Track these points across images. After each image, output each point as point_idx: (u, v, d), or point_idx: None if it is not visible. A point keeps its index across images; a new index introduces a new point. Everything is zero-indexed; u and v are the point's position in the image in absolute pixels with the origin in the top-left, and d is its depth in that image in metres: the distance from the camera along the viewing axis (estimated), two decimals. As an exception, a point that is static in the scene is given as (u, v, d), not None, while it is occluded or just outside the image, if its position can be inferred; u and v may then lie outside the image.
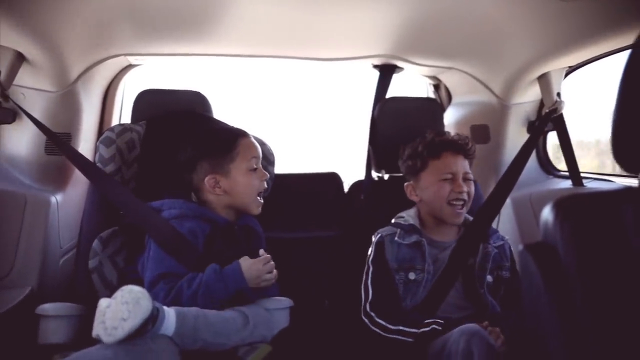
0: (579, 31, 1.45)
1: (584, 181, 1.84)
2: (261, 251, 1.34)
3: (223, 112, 1.77)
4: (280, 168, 1.72)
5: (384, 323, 1.34)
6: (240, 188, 1.42)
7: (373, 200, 1.70)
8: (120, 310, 1.04)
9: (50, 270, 1.59)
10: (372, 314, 1.36)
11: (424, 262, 1.41)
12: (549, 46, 1.58)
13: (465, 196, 1.45)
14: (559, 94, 1.76)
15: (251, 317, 1.25)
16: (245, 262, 1.29)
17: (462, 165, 1.48)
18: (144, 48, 1.78)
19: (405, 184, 1.55)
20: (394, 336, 1.31)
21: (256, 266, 1.29)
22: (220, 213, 1.43)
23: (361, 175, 1.83)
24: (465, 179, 1.47)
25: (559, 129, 1.85)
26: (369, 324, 1.36)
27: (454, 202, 1.44)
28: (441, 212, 1.46)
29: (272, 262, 1.32)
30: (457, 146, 1.49)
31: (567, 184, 1.88)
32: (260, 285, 1.30)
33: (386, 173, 1.78)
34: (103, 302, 1.08)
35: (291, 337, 1.32)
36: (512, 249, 1.52)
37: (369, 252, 1.47)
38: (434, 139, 1.50)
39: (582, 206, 0.77)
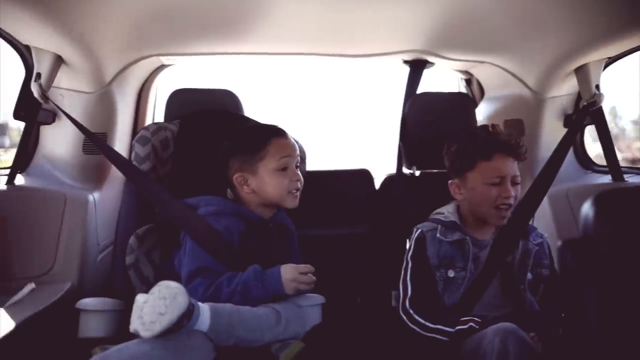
0: (618, 21, 1.40)
1: (625, 176, 1.78)
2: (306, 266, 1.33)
3: (254, 110, 1.78)
4: (311, 165, 1.72)
5: (423, 321, 1.32)
6: (268, 188, 1.41)
7: (404, 196, 1.68)
8: (158, 305, 1.06)
9: (89, 266, 1.63)
10: (411, 311, 1.35)
11: (465, 260, 1.39)
12: (587, 37, 1.53)
13: (512, 201, 1.39)
14: (597, 87, 1.71)
15: (284, 313, 1.25)
16: (285, 269, 1.30)
17: (512, 168, 1.41)
18: (176, 48, 1.81)
19: (450, 181, 1.50)
20: (433, 335, 1.29)
21: (295, 275, 1.29)
22: (254, 210, 1.44)
23: (391, 172, 1.82)
24: (514, 183, 1.41)
25: (597, 122, 1.79)
26: (407, 321, 1.35)
27: (501, 207, 1.40)
28: (486, 214, 1.42)
29: (311, 275, 1.31)
30: (509, 148, 1.42)
31: (607, 179, 1.82)
32: (295, 291, 1.30)
33: (417, 169, 1.76)
34: (140, 298, 1.10)
35: (323, 334, 1.32)
36: (550, 247, 1.48)
37: (408, 248, 1.45)
38: (486, 139, 1.43)
39: (623, 201, 0.75)
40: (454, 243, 1.41)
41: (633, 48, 1.59)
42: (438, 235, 1.42)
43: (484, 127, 1.49)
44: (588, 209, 0.74)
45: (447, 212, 1.48)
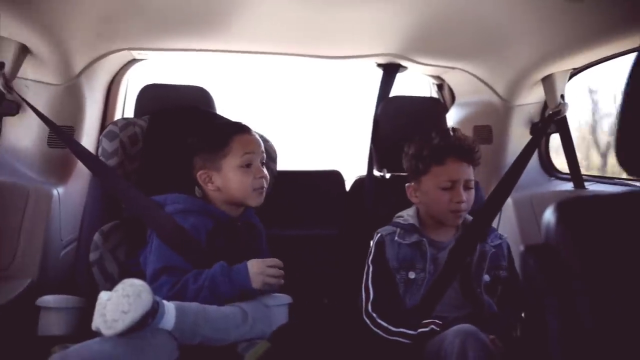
0: (583, 33, 1.45)
1: (586, 184, 1.84)
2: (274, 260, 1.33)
3: (226, 108, 1.77)
4: (282, 165, 1.72)
5: (385, 325, 1.33)
6: (232, 184, 1.40)
7: (374, 198, 1.70)
8: (121, 302, 1.04)
9: (51, 262, 1.59)
10: (374, 314, 1.36)
11: (424, 261, 1.41)
12: (554, 48, 1.57)
13: (464, 206, 1.41)
14: (562, 96, 1.76)
15: (250, 313, 1.25)
16: (251, 264, 1.29)
17: (465, 172, 1.43)
18: (148, 43, 1.78)
19: (407, 184, 1.52)
20: (395, 338, 1.31)
21: (262, 269, 1.29)
22: (221, 208, 1.43)
23: (362, 173, 1.83)
24: (467, 187, 1.43)
25: (562, 131, 1.85)
26: (370, 325, 1.36)
27: (453, 210, 1.42)
28: (441, 217, 1.45)
29: (280, 269, 1.32)
30: (463, 152, 1.43)
31: (569, 186, 1.88)
32: (263, 288, 1.30)
33: (388, 172, 1.78)
34: (104, 295, 1.08)
35: (290, 334, 1.32)
36: (511, 249, 1.51)
37: (369, 252, 1.47)
38: (440, 144, 1.45)
39: (584, 209, 0.77)
40: (412, 245, 1.43)
41: (597, 60, 1.65)
42: (396, 238, 1.44)
43: (441, 131, 1.51)
44: (549, 216, 0.76)
45: (406, 215, 1.50)
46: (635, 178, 0.80)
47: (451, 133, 1.50)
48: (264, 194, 1.45)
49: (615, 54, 1.55)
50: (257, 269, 1.28)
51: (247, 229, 1.48)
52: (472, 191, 1.45)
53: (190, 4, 1.50)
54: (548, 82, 1.77)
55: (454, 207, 1.41)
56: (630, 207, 0.75)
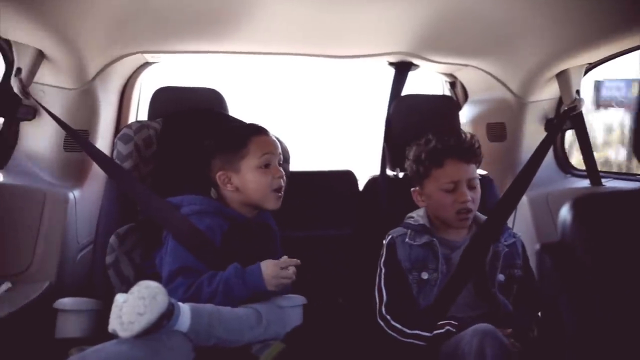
0: (599, 28, 1.43)
1: (603, 180, 1.81)
2: (284, 257, 1.32)
3: (239, 109, 1.77)
4: (295, 165, 1.72)
5: (400, 327, 1.33)
6: (251, 185, 1.42)
7: (388, 198, 1.69)
8: (137, 305, 1.05)
9: (68, 265, 1.61)
10: (388, 317, 1.35)
11: (436, 261, 1.40)
12: (569, 43, 1.55)
13: (470, 205, 1.40)
14: (578, 92, 1.74)
15: (265, 314, 1.25)
16: (265, 265, 1.29)
17: (466, 171, 1.42)
18: (161, 46, 1.80)
19: (412, 189, 1.52)
20: (411, 340, 1.30)
21: (275, 270, 1.29)
22: (237, 209, 1.44)
23: (375, 173, 1.83)
24: (471, 186, 1.42)
25: (577, 127, 1.82)
26: (385, 327, 1.35)
27: (460, 211, 1.41)
28: (447, 219, 1.44)
29: (293, 268, 1.31)
30: (461, 152, 1.42)
31: (585, 183, 1.85)
32: (277, 289, 1.30)
33: (401, 171, 1.77)
34: (120, 297, 1.09)
35: (304, 335, 1.32)
36: (526, 247, 1.49)
37: (381, 254, 1.46)
38: (436, 146, 1.44)
39: (600, 206, 0.76)
40: (423, 246, 1.42)
41: (612, 55, 1.62)
42: (407, 239, 1.43)
43: (438, 133, 1.49)
44: (565, 214, 0.75)
45: (417, 215, 1.49)
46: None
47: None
48: (282, 197, 1.45)
49: (632, 47, 1.52)
50: (272, 271, 1.28)
51: (263, 230, 1.48)
52: (478, 189, 1.44)
53: (201, 7, 1.51)
54: (563, 77, 1.74)
55: (458, 207, 1.40)
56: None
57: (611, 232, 0.73)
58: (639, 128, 0.73)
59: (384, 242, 1.47)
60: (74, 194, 1.67)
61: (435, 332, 1.26)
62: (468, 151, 1.43)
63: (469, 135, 1.48)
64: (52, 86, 1.65)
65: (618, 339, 0.69)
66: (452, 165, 1.42)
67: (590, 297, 0.71)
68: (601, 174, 1.83)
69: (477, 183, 1.44)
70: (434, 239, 1.42)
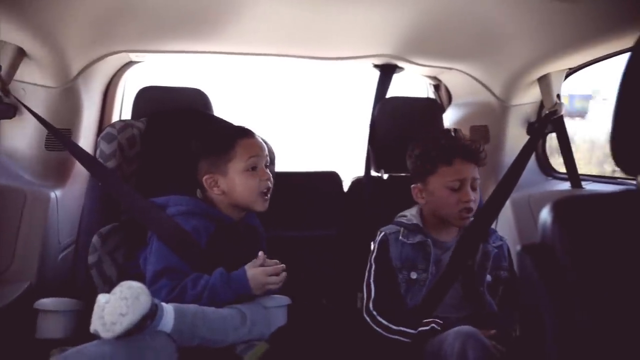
0: (579, 33, 1.46)
1: (583, 183, 1.85)
2: (260, 253, 1.32)
3: (223, 110, 1.77)
4: (280, 166, 1.72)
5: (386, 323, 1.34)
6: (238, 188, 1.41)
7: (372, 199, 1.70)
8: (119, 305, 1.04)
9: (49, 265, 1.59)
10: (375, 312, 1.36)
11: (427, 262, 1.41)
12: (549, 48, 1.58)
13: (472, 205, 1.42)
14: (559, 96, 1.77)
15: (249, 315, 1.25)
16: (250, 269, 1.29)
17: (472, 172, 1.44)
18: (145, 45, 1.78)
19: (412, 185, 1.52)
20: (395, 336, 1.31)
21: (262, 277, 1.29)
22: (224, 211, 1.43)
23: (359, 174, 1.83)
24: (473, 187, 1.43)
25: (558, 130, 1.85)
26: (371, 322, 1.36)
27: (462, 211, 1.42)
28: (448, 217, 1.45)
29: (279, 271, 1.31)
30: (470, 153, 1.44)
31: (566, 185, 1.88)
32: (263, 292, 1.30)
33: (385, 173, 1.78)
34: (102, 298, 1.08)
35: (288, 335, 1.32)
36: (510, 249, 1.52)
37: (372, 250, 1.47)
38: (447, 144, 1.45)
39: (580, 208, 0.77)
40: (416, 245, 1.43)
41: (592, 60, 1.65)
42: (400, 237, 1.44)
43: (446, 131, 1.52)
44: (546, 216, 0.76)
45: (410, 214, 1.50)
46: (630, 177, 0.81)
47: (453, 134, 1.50)
48: (269, 199, 1.45)
49: (611, 53, 1.55)
50: (258, 279, 1.28)
51: (249, 232, 1.48)
52: (478, 191, 1.46)
53: (186, 6, 1.50)
54: (544, 82, 1.77)
55: (462, 206, 1.41)
56: (625, 205, 0.75)
57: (591, 234, 0.74)
58: (616, 135, 0.75)
59: (376, 238, 1.48)
60: (55, 194, 1.65)
61: (420, 329, 1.27)
62: (476, 153, 1.45)
63: (475, 140, 1.51)
64: (33, 84, 1.63)
65: (598, 340, 0.70)
66: (460, 164, 1.43)
67: (570, 298, 0.72)
68: (581, 177, 1.86)
69: (479, 185, 1.46)
70: (428, 239, 1.43)
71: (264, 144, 1.48)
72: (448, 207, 1.43)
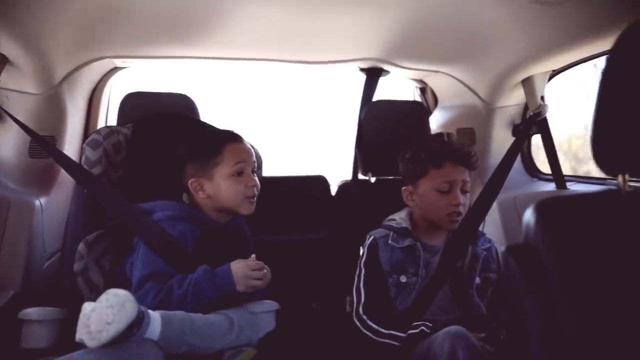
0: (561, 36, 1.48)
1: (567, 183, 1.87)
2: (253, 256, 1.32)
3: (210, 115, 1.76)
4: (267, 171, 1.72)
5: (376, 327, 1.34)
6: (224, 193, 1.40)
7: (360, 202, 1.70)
8: (105, 313, 1.03)
9: (34, 274, 1.57)
10: (365, 317, 1.36)
11: (416, 266, 1.42)
12: (532, 50, 1.60)
13: (461, 209, 1.42)
14: (542, 98, 1.79)
15: (237, 320, 1.24)
16: (235, 265, 1.28)
17: (462, 175, 1.44)
18: (130, 51, 1.77)
19: (403, 188, 1.52)
20: (386, 340, 1.31)
21: (245, 270, 1.28)
22: (210, 215, 1.43)
23: (347, 178, 1.84)
24: (463, 191, 1.44)
25: (543, 132, 1.87)
26: (361, 327, 1.36)
27: (451, 214, 1.42)
28: (437, 220, 1.45)
29: (264, 269, 1.31)
30: (460, 156, 1.44)
31: (551, 186, 1.90)
32: (248, 290, 1.29)
33: (373, 176, 1.78)
34: (87, 306, 1.07)
35: (277, 341, 1.32)
36: (498, 252, 1.53)
37: (361, 254, 1.47)
38: (438, 147, 1.45)
39: (563, 208, 0.78)
40: (405, 249, 1.43)
41: (575, 61, 1.67)
42: (390, 241, 1.45)
43: (438, 135, 1.53)
44: (529, 217, 0.77)
45: (399, 218, 1.50)
46: (611, 177, 0.82)
47: (445, 138, 1.50)
48: (255, 202, 1.45)
49: (594, 55, 1.57)
50: (242, 272, 1.27)
51: (236, 235, 1.47)
52: (469, 195, 1.46)
53: (172, 12, 1.50)
54: (528, 84, 1.79)
55: (451, 209, 1.41)
56: (606, 205, 0.77)
57: (573, 234, 0.75)
58: (597, 136, 0.76)
59: (365, 242, 1.47)
60: (40, 202, 1.63)
61: (410, 332, 1.28)
62: (467, 156, 1.45)
63: (466, 143, 1.52)
64: (16, 91, 1.61)
65: (582, 339, 0.71)
66: (450, 167, 1.43)
67: (554, 298, 0.73)
68: (566, 177, 1.88)
69: (469, 188, 1.46)
70: (417, 243, 1.43)
71: (251, 149, 1.48)
72: (438, 210, 1.44)
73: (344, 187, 1.79)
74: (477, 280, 1.43)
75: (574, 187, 1.84)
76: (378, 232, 1.48)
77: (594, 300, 0.72)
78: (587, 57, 1.59)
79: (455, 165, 1.43)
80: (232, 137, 1.45)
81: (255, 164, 1.48)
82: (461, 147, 1.47)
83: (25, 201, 1.59)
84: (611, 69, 0.75)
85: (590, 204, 0.79)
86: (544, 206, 0.78)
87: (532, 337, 0.75)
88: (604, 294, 0.72)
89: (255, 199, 1.44)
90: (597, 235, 0.74)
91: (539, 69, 1.73)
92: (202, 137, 1.48)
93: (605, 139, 0.76)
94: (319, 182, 1.97)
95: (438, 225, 1.46)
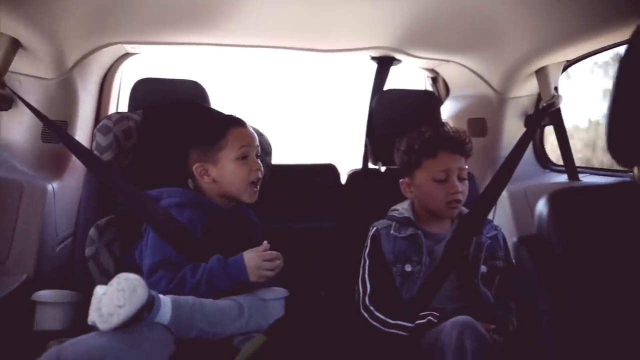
0: (576, 25, 1.45)
1: (580, 175, 1.85)
2: (265, 244, 1.33)
3: (221, 102, 1.76)
4: (277, 159, 1.72)
5: (383, 317, 1.34)
6: (228, 177, 1.41)
7: (370, 192, 1.70)
8: (117, 297, 1.04)
9: (47, 258, 1.59)
10: (372, 308, 1.36)
11: (420, 254, 1.42)
12: (547, 40, 1.58)
13: (459, 196, 1.42)
14: (556, 88, 1.77)
15: (247, 306, 1.25)
16: (247, 255, 1.30)
17: (457, 163, 1.43)
18: (142, 36, 1.77)
19: (400, 180, 1.52)
20: (393, 330, 1.32)
21: (258, 261, 1.29)
22: (215, 201, 1.44)
23: (357, 167, 1.83)
24: (461, 178, 1.43)
25: (555, 123, 1.85)
26: (368, 318, 1.36)
27: (450, 202, 1.42)
28: (436, 210, 1.45)
29: (276, 259, 1.32)
30: (454, 145, 1.44)
31: (563, 177, 1.89)
32: (260, 280, 1.30)
33: (383, 165, 1.78)
34: (99, 290, 1.08)
35: (286, 327, 1.32)
36: (506, 240, 1.52)
37: (365, 246, 1.47)
38: (431, 137, 1.45)
39: (576, 199, 0.77)
40: (408, 238, 1.43)
41: (590, 52, 1.65)
42: (392, 231, 1.45)
43: (432, 124, 1.51)
44: (542, 207, 0.76)
45: (401, 208, 1.51)
46: (626, 169, 0.81)
47: (445, 127, 1.49)
48: (258, 191, 1.45)
49: (608, 45, 1.55)
50: (254, 263, 1.29)
51: (241, 221, 1.48)
52: (467, 182, 1.46)
53: (183, -2, 1.49)
54: (542, 74, 1.77)
55: (449, 198, 1.41)
56: (621, 197, 0.76)
57: (586, 226, 0.74)
58: (612, 127, 0.75)
59: (369, 234, 1.48)
60: (52, 186, 1.65)
61: (417, 322, 1.28)
62: (461, 144, 1.44)
63: (460, 129, 1.49)
64: (28, 76, 1.62)
65: (593, 331, 0.71)
66: (444, 156, 1.43)
67: (566, 289, 0.73)
68: (579, 169, 1.86)
69: (467, 175, 1.46)
70: (419, 232, 1.43)
71: (255, 133, 1.48)
72: (436, 200, 1.43)
73: (353, 176, 1.78)
74: (484, 268, 1.43)
75: (586, 179, 1.83)
76: (380, 223, 1.49)
77: (606, 291, 0.71)
78: (603, 47, 1.57)
79: (450, 154, 1.43)
80: (235, 122, 1.46)
81: (259, 148, 1.48)
82: (455, 134, 1.46)
83: (37, 185, 1.60)
84: (628, 61, 0.74)
85: (604, 195, 0.78)
86: (557, 197, 0.77)
87: (542, 327, 0.75)
88: (616, 287, 0.71)
89: (259, 185, 1.45)
90: (611, 227, 0.74)
91: (553, 60, 1.70)
92: (206, 122, 1.49)
93: (621, 131, 0.76)
94: (329, 171, 1.96)
95: (438, 215, 1.46)
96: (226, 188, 1.43)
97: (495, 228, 1.51)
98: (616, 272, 0.71)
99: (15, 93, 1.53)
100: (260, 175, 1.45)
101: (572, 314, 0.72)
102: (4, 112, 1.65)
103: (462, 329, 1.12)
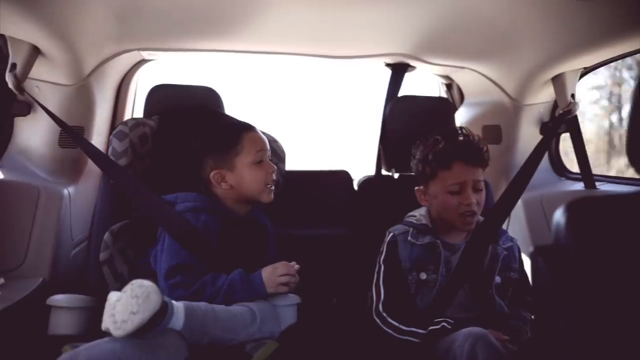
0: (594, 32, 1.44)
1: (597, 183, 1.82)
2: (294, 264, 1.35)
3: (235, 108, 1.77)
4: (290, 165, 1.72)
5: (396, 324, 1.33)
6: (246, 182, 1.42)
7: (383, 198, 1.69)
8: (130, 303, 1.04)
9: (62, 262, 1.60)
10: (385, 314, 1.35)
11: (437, 263, 1.40)
12: (564, 47, 1.56)
13: (474, 207, 1.39)
14: (573, 95, 1.74)
15: (259, 313, 1.25)
16: (267, 275, 1.31)
17: (473, 174, 1.40)
18: (157, 43, 1.79)
19: (416, 188, 1.50)
20: (406, 337, 1.30)
21: (271, 274, 1.31)
22: (230, 207, 1.44)
23: (370, 173, 1.83)
24: (476, 189, 1.41)
25: (572, 130, 1.83)
26: (381, 324, 1.35)
27: (464, 214, 1.40)
28: (451, 221, 1.43)
29: (293, 274, 1.33)
30: (469, 155, 1.41)
31: (580, 186, 1.86)
32: (276, 289, 1.31)
33: (396, 172, 1.77)
34: (113, 296, 1.08)
35: (298, 334, 1.32)
36: (521, 250, 1.50)
37: (381, 251, 1.46)
38: (445, 148, 1.41)
39: (594, 209, 0.76)
40: (425, 246, 1.42)
41: (607, 59, 1.63)
42: (409, 238, 1.43)
43: (448, 132, 1.47)
44: (559, 217, 0.75)
45: (419, 214, 1.49)
46: (646, 178, 0.80)
47: (459, 132, 1.46)
48: (274, 190, 1.47)
49: (627, 53, 1.53)
50: (273, 282, 1.31)
51: (256, 227, 1.49)
52: (483, 192, 1.43)
53: (199, 5, 1.50)
54: (558, 81, 1.75)
55: (463, 209, 1.39)
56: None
57: (605, 235, 0.73)
58: (632, 136, 0.74)
59: (385, 239, 1.46)
60: (68, 191, 1.67)
61: (431, 328, 1.26)
62: (476, 154, 1.41)
63: (477, 138, 1.45)
64: (47, 82, 1.65)
65: (611, 341, 0.70)
66: (459, 168, 1.40)
67: (584, 299, 0.72)
68: (595, 177, 1.83)
69: (483, 186, 1.43)
70: (437, 241, 1.42)
71: (265, 138, 1.49)
72: (450, 211, 1.41)
73: (366, 182, 1.78)
74: (498, 279, 1.41)
75: (603, 187, 1.80)
76: (397, 229, 1.47)
77: (625, 303, 0.70)
78: (621, 54, 1.55)
79: (464, 165, 1.40)
80: (248, 127, 1.47)
81: (269, 152, 1.50)
82: (470, 144, 1.42)
83: (54, 190, 1.62)
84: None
85: (623, 204, 0.76)
86: (576, 206, 0.76)
87: (559, 338, 0.73)
88: (635, 297, 0.70)
89: (274, 186, 1.47)
90: (631, 237, 0.72)
91: (570, 67, 1.69)
92: (219, 129, 1.50)
93: (641, 139, 0.74)
94: (342, 177, 1.96)
95: (452, 225, 1.44)
96: (244, 192, 1.43)
97: (511, 239, 1.49)
98: (637, 284, 0.70)
99: (34, 99, 1.55)
100: (275, 177, 1.47)
101: (589, 325, 0.71)
102: (22, 118, 1.68)
103: (474, 340, 1.11)
